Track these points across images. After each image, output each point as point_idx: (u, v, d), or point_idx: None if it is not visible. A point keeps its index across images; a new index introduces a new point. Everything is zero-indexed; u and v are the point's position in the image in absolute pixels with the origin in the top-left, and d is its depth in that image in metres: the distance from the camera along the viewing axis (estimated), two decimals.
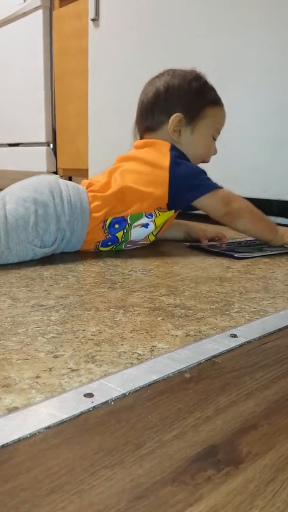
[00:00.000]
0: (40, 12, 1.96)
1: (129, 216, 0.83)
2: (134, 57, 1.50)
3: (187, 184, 0.84)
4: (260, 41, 1.15)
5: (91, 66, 1.68)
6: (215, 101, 0.90)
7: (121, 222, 0.83)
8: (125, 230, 0.84)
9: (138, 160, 0.86)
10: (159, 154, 0.85)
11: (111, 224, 0.82)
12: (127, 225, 0.83)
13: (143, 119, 0.92)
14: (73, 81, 1.86)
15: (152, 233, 0.87)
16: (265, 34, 1.13)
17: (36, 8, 1.97)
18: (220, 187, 0.86)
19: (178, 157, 0.85)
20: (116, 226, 0.83)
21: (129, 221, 0.83)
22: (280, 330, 0.48)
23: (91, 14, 1.63)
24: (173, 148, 0.86)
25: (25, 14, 2.04)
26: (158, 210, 0.85)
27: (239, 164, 1.19)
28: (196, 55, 1.25)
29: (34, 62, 2.02)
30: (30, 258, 0.76)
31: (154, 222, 0.86)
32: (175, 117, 0.87)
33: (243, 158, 1.18)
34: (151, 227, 0.86)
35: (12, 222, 0.72)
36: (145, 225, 0.86)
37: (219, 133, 0.92)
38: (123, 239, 0.84)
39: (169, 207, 0.85)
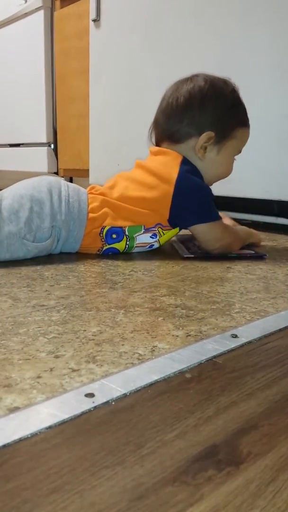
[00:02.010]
0: (41, 13, 1.96)
1: (127, 228, 0.81)
2: (135, 58, 1.50)
3: (188, 205, 0.81)
4: (263, 43, 1.15)
5: (92, 67, 1.69)
6: (245, 122, 0.86)
7: (119, 233, 0.81)
8: (127, 245, 0.83)
9: (146, 169, 0.83)
10: (168, 166, 0.82)
11: (109, 233, 0.81)
12: (125, 237, 0.82)
13: (167, 125, 0.85)
14: (74, 82, 1.86)
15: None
16: (269, 36, 1.13)
17: (37, 9, 1.97)
18: (219, 219, 0.84)
19: (188, 172, 0.82)
20: (114, 236, 0.81)
21: (127, 233, 0.81)
22: (280, 330, 0.48)
23: (92, 15, 1.63)
24: (185, 162, 0.82)
25: (26, 14, 2.04)
26: (162, 228, 0.83)
27: (241, 164, 1.19)
28: (198, 56, 1.26)
29: (35, 62, 2.02)
30: (23, 254, 0.76)
31: (159, 241, 0.85)
32: (206, 135, 0.82)
33: (245, 158, 1.18)
34: (156, 246, 0.86)
35: (5, 216, 0.73)
36: (150, 245, 0.85)
37: (240, 153, 0.89)
38: (126, 250, 0.84)
39: (171, 224, 0.83)
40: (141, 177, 0.83)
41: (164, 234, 0.85)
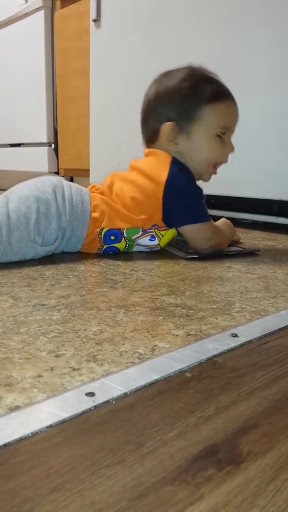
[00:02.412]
0: (41, 13, 1.96)
1: (125, 230, 0.81)
2: (136, 58, 1.50)
3: (178, 206, 0.82)
4: (263, 43, 1.15)
5: (92, 67, 1.69)
6: (214, 97, 0.81)
7: (117, 234, 0.81)
8: (127, 245, 0.83)
9: (139, 171, 0.83)
10: (158, 167, 0.82)
11: (107, 235, 0.81)
12: (123, 239, 0.82)
13: (142, 130, 0.89)
14: (75, 82, 1.87)
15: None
16: (269, 36, 1.13)
17: (38, 9, 1.97)
18: (209, 219, 0.84)
19: (177, 172, 0.81)
20: (112, 237, 0.81)
21: (125, 235, 0.82)
22: (280, 329, 0.48)
23: (93, 15, 1.63)
24: (174, 162, 0.82)
25: (26, 15, 2.04)
26: (158, 228, 0.83)
27: (241, 164, 1.19)
28: (198, 56, 1.25)
29: (35, 62, 2.02)
30: (31, 257, 0.76)
31: (159, 245, 0.85)
32: (165, 126, 0.82)
33: (245, 158, 1.18)
34: (157, 247, 0.86)
35: (14, 219, 0.73)
36: (151, 248, 0.86)
37: (229, 129, 0.83)
38: (126, 249, 0.84)
39: (166, 223, 0.84)
40: (134, 178, 0.83)
41: (162, 236, 0.85)
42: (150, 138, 0.87)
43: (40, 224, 0.75)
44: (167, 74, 0.85)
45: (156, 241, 0.84)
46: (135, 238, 0.83)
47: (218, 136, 0.82)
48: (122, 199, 0.81)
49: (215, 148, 0.83)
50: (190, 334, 0.46)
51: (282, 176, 1.14)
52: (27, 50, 2.07)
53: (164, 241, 0.86)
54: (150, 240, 0.84)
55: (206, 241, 0.84)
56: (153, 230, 0.83)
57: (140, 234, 0.83)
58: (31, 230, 0.74)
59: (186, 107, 0.81)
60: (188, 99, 0.81)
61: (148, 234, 0.83)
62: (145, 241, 0.84)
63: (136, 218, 0.81)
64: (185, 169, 0.84)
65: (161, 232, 0.84)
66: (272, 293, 0.61)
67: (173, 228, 0.86)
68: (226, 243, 0.88)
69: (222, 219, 0.96)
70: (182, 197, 0.82)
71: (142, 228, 0.82)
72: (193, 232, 0.83)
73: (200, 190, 0.85)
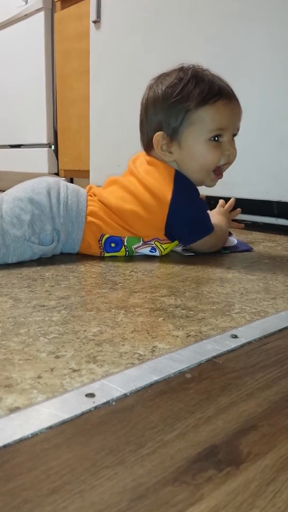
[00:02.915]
0: (41, 14, 1.96)
1: (126, 238, 0.81)
2: (136, 59, 1.51)
3: (183, 226, 0.81)
4: (263, 43, 1.15)
5: (92, 68, 1.69)
6: (202, 100, 0.77)
7: (118, 242, 0.81)
8: (127, 252, 0.82)
9: (140, 182, 0.81)
10: (162, 182, 0.79)
11: (107, 242, 0.80)
12: (123, 247, 0.81)
13: (140, 137, 0.87)
14: (75, 83, 1.87)
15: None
16: (269, 36, 1.14)
17: (38, 10, 1.97)
18: (213, 229, 0.83)
19: (182, 189, 0.79)
20: (112, 245, 0.81)
21: (125, 243, 0.81)
22: (280, 331, 0.48)
23: (93, 16, 1.63)
24: (177, 177, 0.80)
25: (26, 16, 2.04)
26: (159, 242, 0.82)
27: (241, 165, 1.19)
28: (198, 58, 1.25)
29: (35, 63, 2.03)
30: (29, 257, 0.76)
31: (162, 254, 0.84)
32: (155, 137, 0.80)
33: (245, 159, 1.19)
34: (158, 255, 0.85)
35: (7, 221, 0.73)
36: (152, 255, 0.85)
37: (224, 129, 0.79)
38: (126, 255, 0.83)
39: (169, 238, 0.83)
40: (136, 190, 0.80)
41: (164, 249, 0.83)
42: (147, 146, 0.85)
43: (35, 225, 0.74)
44: (158, 78, 0.82)
45: (157, 253, 0.83)
46: (136, 248, 0.82)
47: (213, 140, 0.79)
48: (123, 210, 0.80)
49: (209, 154, 0.79)
50: (190, 335, 0.46)
51: (282, 177, 1.14)
52: (27, 51, 2.08)
53: (165, 252, 0.84)
54: (150, 251, 0.83)
55: (210, 248, 0.86)
56: (153, 243, 0.82)
57: (140, 244, 0.82)
58: (26, 230, 0.73)
59: (174, 114, 0.78)
60: (175, 106, 0.78)
61: (148, 245, 0.82)
62: (146, 251, 0.83)
63: (137, 226, 0.80)
64: (188, 183, 0.81)
65: (162, 245, 0.83)
66: (272, 294, 0.61)
67: (176, 241, 0.85)
68: (225, 240, 0.90)
69: (217, 209, 0.96)
70: (187, 216, 0.80)
71: (142, 239, 0.82)
72: (199, 244, 0.84)
73: (203, 203, 0.84)
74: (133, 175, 0.83)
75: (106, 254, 0.82)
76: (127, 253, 0.82)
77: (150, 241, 0.82)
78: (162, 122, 0.80)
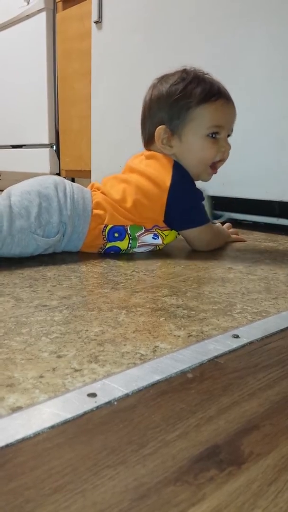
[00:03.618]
0: (43, 15, 1.96)
1: (129, 227, 0.82)
2: (137, 60, 1.51)
3: (180, 211, 0.84)
4: (263, 43, 1.15)
5: (94, 68, 1.69)
6: (203, 98, 0.82)
7: (121, 231, 0.82)
8: (130, 244, 0.84)
9: (141, 174, 0.84)
10: (161, 171, 0.83)
11: (111, 232, 0.82)
12: (127, 235, 0.83)
13: (141, 133, 0.92)
14: (76, 83, 1.87)
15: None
16: (269, 36, 1.14)
17: (40, 11, 1.97)
18: (209, 222, 0.87)
19: (180, 176, 0.83)
20: (116, 235, 0.82)
21: (129, 232, 0.83)
22: (282, 331, 0.48)
23: (94, 17, 1.63)
24: (176, 166, 0.84)
25: (28, 16, 2.05)
26: (159, 229, 0.85)
27: (242, 165, 1.19)
28: (200, 58, 1.26)
29: (37, 64, 2.03)
30: (32, 251, 0.77)
31: (163, 243, 0.87)
32: (157, 130, 0.85)
33: (246, 159, 1.19)
34: (160, 245, 0.88)
35: (16, 211, 0.74)
36: (154, 247, 0.87)
37: (221, 127, 0.84)
38: (128, 249, 0.85)
39: (168, 225, 0.85)
40: (137, 181, 0.84)
41: (166, 236, 0.86)
42: (148, 141, 0.90)
43: (42, 217, 0.76)
44: (161, 78, 0.88)
45: (159, 240, 0.85)
46: (139, 235, 0.84)
47: (211, 136, 0.84)
48: (125, 200, 0.82)
49: (207, 149, 0.84)
50: (191, 335, 0.46)
51: (283, 176, 1.14)
52: (29, 52, 2.08)
53: (168, 240, 0.87)
54: (153, 238, 0.85)
55: (206, 244, 0.88)
56: (154, 230, 0.85)
57: (143, 231, 0.84)
58: (32, 222, 0.74)
59: (176, 110, 0.83)
60: (178, 102, 0.83)
61: (150, 232, 0.84)
62: (149, 238, 0.85)
63: (138, 213, 0.82)
64: (186, 172, 0.85)
65: (163, 232, 0.86)
66: (273, 294, 0.61)
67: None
68: (223, 244, 0.94)
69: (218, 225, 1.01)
70: (184, 201, 0.84)
71: (144, 227, 0.84)
72: (194, 235, 0.86)
73: (200, 193, 0.86)
74: (133, 171, 0.86)
75: (109, 244, 0.83)
76: (129, 245, 0.84)
77: (151, 228, 0.84)
78: (165, 117, 0.85)
